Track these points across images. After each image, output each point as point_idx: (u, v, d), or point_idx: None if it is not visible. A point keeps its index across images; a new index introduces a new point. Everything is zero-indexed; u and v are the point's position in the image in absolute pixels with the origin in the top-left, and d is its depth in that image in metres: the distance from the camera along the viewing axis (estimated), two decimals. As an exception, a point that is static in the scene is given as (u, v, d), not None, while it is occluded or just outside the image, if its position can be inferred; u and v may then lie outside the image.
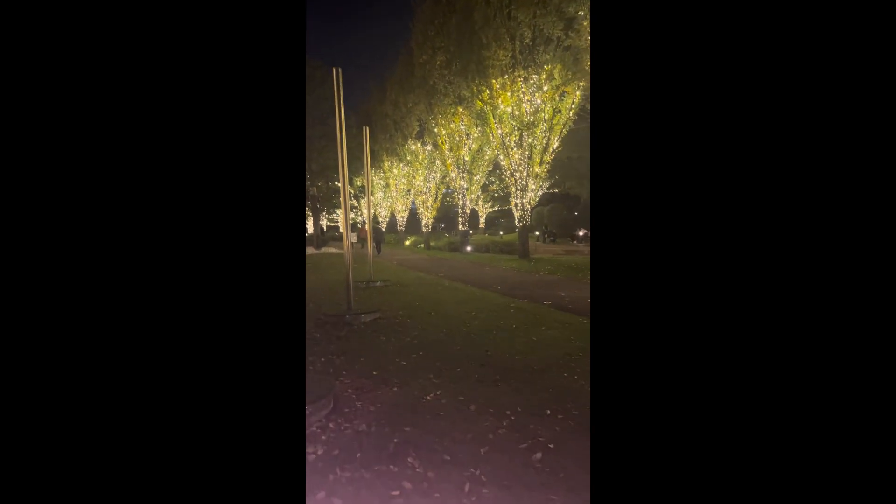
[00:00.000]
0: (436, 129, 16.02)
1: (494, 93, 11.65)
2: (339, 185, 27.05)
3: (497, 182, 29.12)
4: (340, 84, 5.29)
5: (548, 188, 30.28)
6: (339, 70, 5.25)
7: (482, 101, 12.08)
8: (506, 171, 12.80)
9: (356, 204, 33.20)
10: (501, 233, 30.72)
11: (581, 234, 22.99)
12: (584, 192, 29.78)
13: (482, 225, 32.98)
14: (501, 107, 11.71)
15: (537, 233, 26.21)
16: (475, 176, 16.91)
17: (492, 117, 12.15)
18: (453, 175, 16.46)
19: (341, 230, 33.97)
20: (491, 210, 32.65)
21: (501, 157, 12.65)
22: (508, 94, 11.49)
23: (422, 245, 22.04)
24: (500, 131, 12.17)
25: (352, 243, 20.21)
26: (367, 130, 8.45)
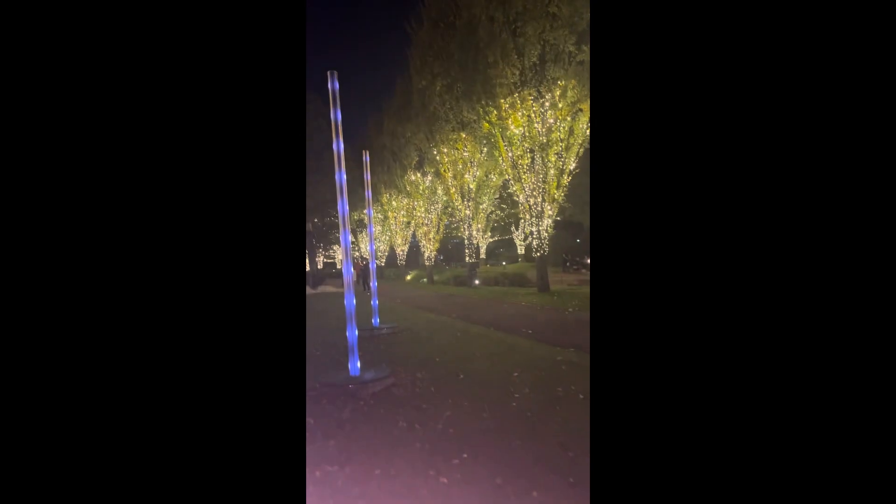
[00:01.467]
0: (437, 157, 15.13)
1: (503, 113, 10.77)
2: (338, 213, 26.59)
3: (503, 210, 28.31)
4: (336, 91, 4.22)
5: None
6: (335, 73, 4.21)
7: (490, 122, 11.19)
8: (518, 197, 11.74)
9: (354, 240, 32.15)
10: (504, 263, 29.57)
11: (588, 261, 21.85)
12: (585, 219, 29.04)
13: (482, 256, 31.94)
14: (511, 128, 10.79)
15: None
16: (481, 204, 15.89)
17: (501, 140, 11.22)
18: (457, 204, 15.44)
19: (339, 266, 32.69)
20: (491, 240, 31.67)
21: (512, 182, 11.64)
22: (519, 114, 10.61)
23: (424, 279, 20.76)
24: (510, 154, 11.21)
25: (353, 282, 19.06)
26: (366, 153, 7.38)
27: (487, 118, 11.16)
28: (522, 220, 31.13)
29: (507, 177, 12.06)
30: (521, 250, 31.51)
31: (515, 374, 4.21)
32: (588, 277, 16.60)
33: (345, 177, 4.16)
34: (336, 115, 4.13)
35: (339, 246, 34.43)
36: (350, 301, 4.13)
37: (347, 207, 4.24)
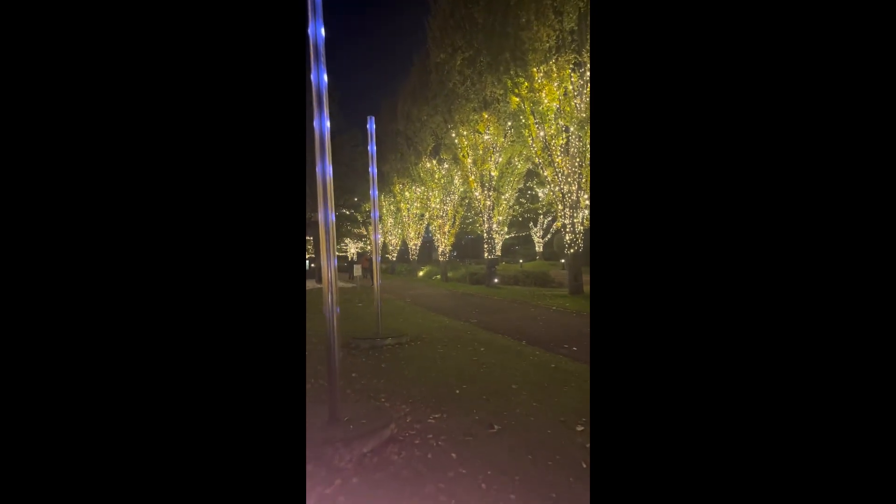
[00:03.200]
0: (456, 140, 13.58)
1: (536, 84, 9.21)
2: (346, 212, 25.18)
3: (522, 205, 26.66)
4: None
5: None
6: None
7: (519, 96, 9.63)
8: (548, 185, 10.17)
9: (365, 232, 30.84)
10: (521, 261, 27.99)
11: None
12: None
13: (498, 252, 30.25)
14: (545, 101, 9.23)
15: (562, 261, 23.41)
16: (503, 194, 14.32)
17: (531, 116, 9.67)
18: (477, 194, 13.89)
19: (352, 257, 31.35)
20: (508, 236, 30.02)
21: (542, 167, 10.07)
22: (554, 84, 9.04)
23: (438, 276, 19.35)
24: (541, 134, 9.65)
25: (354, 277, 17.63)
26: (371, 119, 5.90)
27: (517, 90, 9.59)
28: (541, 216, 29.78)
29: (535, 161, 10.48)
30: (538, 248, 29.91)
31: (580, 426, 2.74)
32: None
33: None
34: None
35: (350, 239, 33.32)
36: (331, 313, 2.69)
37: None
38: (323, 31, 2.76)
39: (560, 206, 10.06)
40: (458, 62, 12.14)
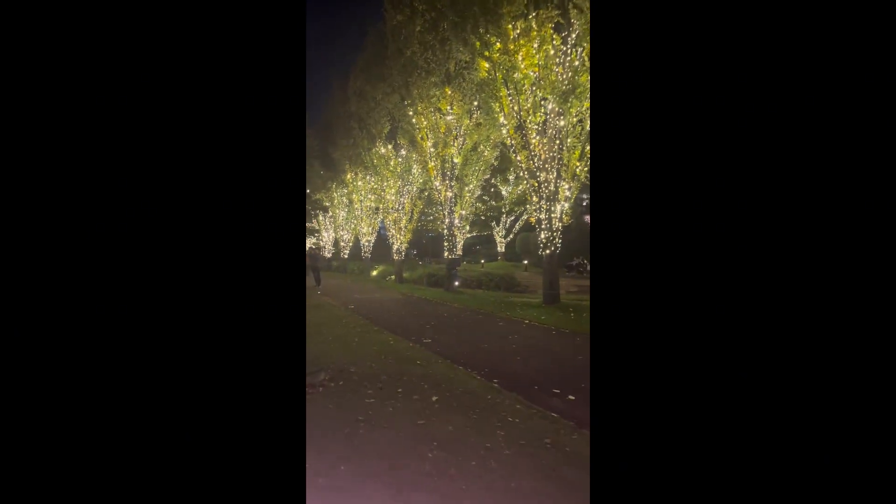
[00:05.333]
0: (414, 120, 11.65)
1: (510, 45, 7.49)
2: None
3: (484, 202, 25.15)
4: None
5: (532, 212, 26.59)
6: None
7: (489, 60, 7.87)
8: (523, 170, 8.48)
9: (315, 225, 28.17)
10: (483, 261, 26.50)
11: (574, 263, 18.58)
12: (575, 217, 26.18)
13: (459, 252, 28.54)
14: (521, 66, 7.52)
15: (525, 262, 22.11)
16: (468, 185, 12.54)
17: (504, 87, 7.95)
18: (437, 184, 12.03)
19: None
20: (469, 235, 28.42)
21: (516, 150, 8.38)
22: (534, 45, 7.35)
23: (392, 277, 17.37)
24: (515, 108, 7.95)
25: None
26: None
27: (487, 52, 7.81)
28: (504, 215, 28.46)
29: (507, 143, 8.77)
30: (500, 248, 28.60)
31: None
32: (583, 283, 13.58)
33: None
34: None
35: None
36: None
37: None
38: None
39: (535, 198, 8.41)
40: (418, 27, 10.25)
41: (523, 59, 7.47)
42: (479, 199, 19.34)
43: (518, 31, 7.38)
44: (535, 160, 8.13)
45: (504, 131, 8.51)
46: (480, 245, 32.70)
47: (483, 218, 26.92)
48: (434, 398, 3.35)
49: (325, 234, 29.15)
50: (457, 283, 12.35)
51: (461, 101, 10.79)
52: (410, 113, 11.74)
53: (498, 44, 7.60)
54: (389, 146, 15.10)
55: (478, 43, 7.85)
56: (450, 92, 10.77)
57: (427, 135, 11.55)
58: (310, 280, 12.81)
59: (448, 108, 10.99)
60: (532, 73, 7.57)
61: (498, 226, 28.21)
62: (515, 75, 7.67)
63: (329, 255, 28.84)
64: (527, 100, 7.85)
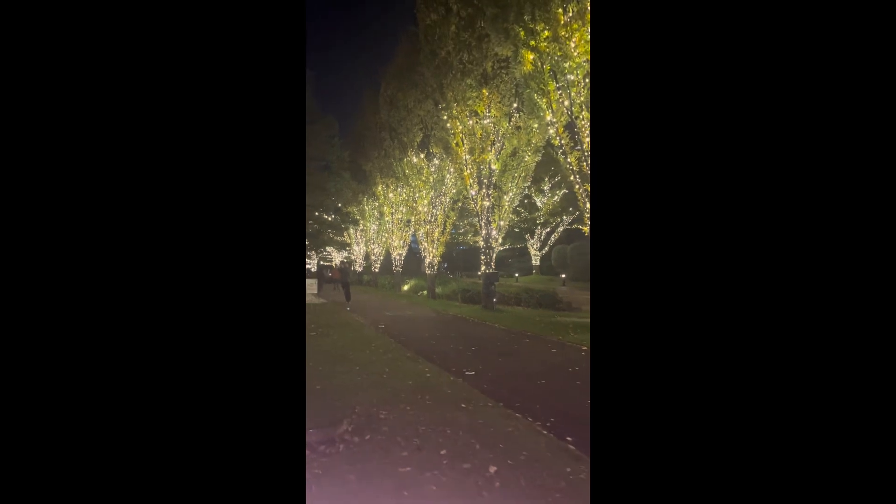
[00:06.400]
0: (448, 125, 10.88)
1: (561, 30, 6.60)
2: (328, 217, 22.24)
3: (519, 213, 24.16)
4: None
5: (569, 223, 25.43)
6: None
7: (536, 50, 7.00)
8: (575, 174, 7.47)
9: (347, 239, 27.83)
10: (517, 275, 25.33)
11: None
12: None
13: (493, 267, 27.39)
14: (574, 55, 6.60)
15: (563, 276, 20.80)
16: (506, 194, 11.61)
17: (552, 81, 7.05)
18: (473, 192, 11.16)
19: (330, 265, 28.25)
20: (502, 248, 27.27)
21: (565, 151, 7.41)
22: (587, 28, 6.43)
23: (424, 292, 16.53)
24: (566, 104, 7.02)
25: (322, 290, 14.69)
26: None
27: (533, 42, 6.95)
28: (539, 227, 27.24)
29: (553, 146, 7.82)
30: (535, 261, 27.33)
31: None
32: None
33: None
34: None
35: (333, 248, 30.28)
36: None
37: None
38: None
39: (586, 204, 7.39)
40: (453, 26, 9.58)
41: (576, 47, 6.56)
42: (514, 210, 18.43)
43: (570, 15, 6.50)
44: (588, 162, 7.14)
45: (552, 131, 7.58)
46: (513, 258, 31.55)
47: (517, 230, 25.87)
48: (492, 469, 2.42)
49: (355, 247, 28.79)
50: (494, 300, 11.36)
51: (499, 102, 9.97)
52: (445, 118, 11.01)
53: (546, 31, 6.74)
54: (422, 155, 14.44)
55: (522, 32, 7.02)
56: (487, 94, 9.98)
57: (462, 141, 10.76)
58: (339, 296, 12.16)
59: (485, 110, 10.18)
60: (585, 62, 6.64)
61: (532, 238, 27.03)
62: (566, 65, 6.76)
63: (360, 269, 28.44)
64: (579, 93, 6.91)
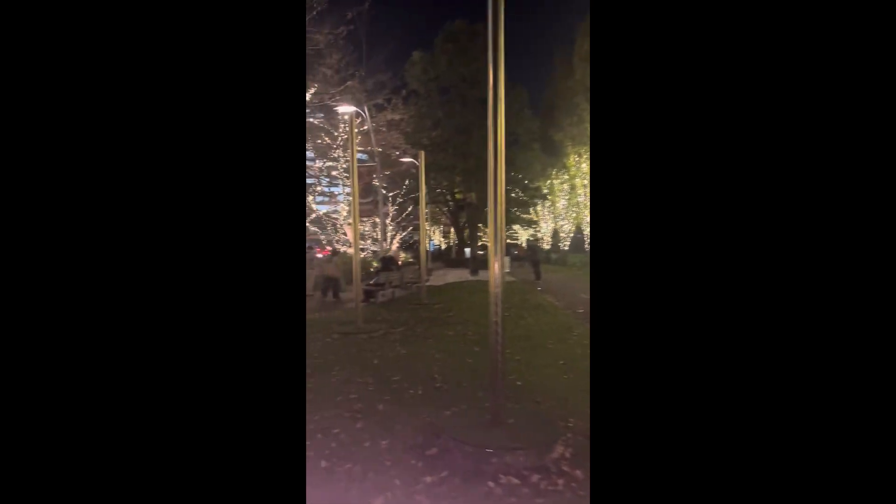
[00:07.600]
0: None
1: None
2: (513, 195, 21.29)
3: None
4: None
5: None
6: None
7: None
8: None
9: (533, 216, 27.12)
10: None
11: None
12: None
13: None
14: None
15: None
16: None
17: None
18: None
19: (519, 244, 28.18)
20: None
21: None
22: None
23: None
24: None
25: (506, 272, 14.28)
26: None
27: None
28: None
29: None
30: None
31: None
32: None
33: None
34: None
35: (520, 226, 29.76)
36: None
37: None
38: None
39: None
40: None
41: None
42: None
43: None
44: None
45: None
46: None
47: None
48: None
49: (542, 225, 27.90)
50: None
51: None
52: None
53: None
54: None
55: None
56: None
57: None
58: (526, 273, 11.69)
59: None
60: None
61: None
62: None
63: (548, 247, 27.54)
64: None
